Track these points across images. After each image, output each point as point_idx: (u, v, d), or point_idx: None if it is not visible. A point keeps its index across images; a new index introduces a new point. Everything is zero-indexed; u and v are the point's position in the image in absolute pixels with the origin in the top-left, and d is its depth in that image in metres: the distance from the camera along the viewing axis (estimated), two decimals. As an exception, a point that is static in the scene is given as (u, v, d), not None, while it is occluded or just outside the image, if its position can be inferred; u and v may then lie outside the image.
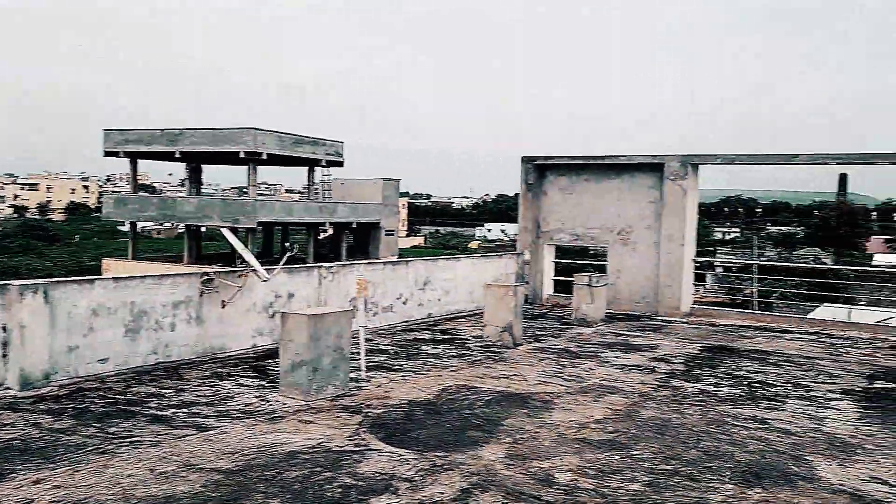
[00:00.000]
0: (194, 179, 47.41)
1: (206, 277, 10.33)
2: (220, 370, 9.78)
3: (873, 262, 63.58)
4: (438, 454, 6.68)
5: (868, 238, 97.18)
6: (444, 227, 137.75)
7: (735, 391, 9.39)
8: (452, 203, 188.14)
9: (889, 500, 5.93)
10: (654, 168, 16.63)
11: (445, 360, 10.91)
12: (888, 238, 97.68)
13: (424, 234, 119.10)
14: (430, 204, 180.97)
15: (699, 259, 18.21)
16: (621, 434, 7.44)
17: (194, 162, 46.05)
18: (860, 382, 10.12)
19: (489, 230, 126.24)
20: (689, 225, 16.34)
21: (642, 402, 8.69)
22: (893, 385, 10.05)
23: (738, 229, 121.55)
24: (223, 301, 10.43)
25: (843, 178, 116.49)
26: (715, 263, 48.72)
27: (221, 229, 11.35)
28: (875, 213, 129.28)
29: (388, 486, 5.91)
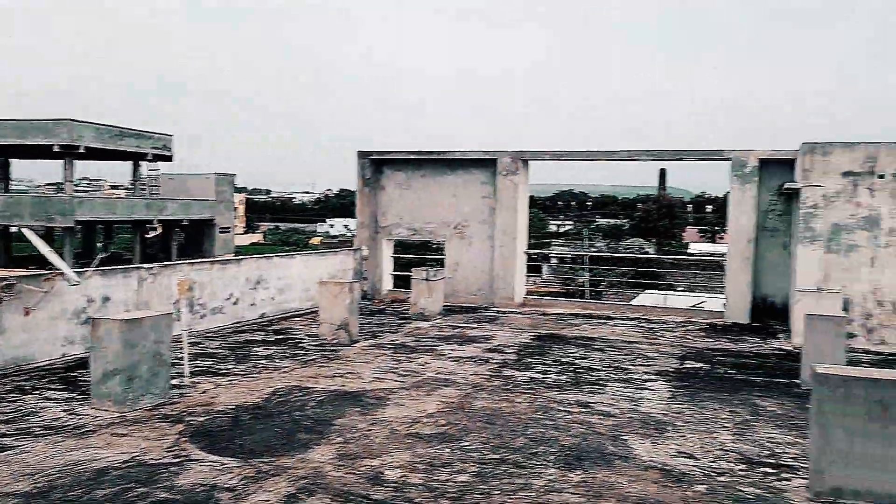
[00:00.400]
0: (1, 175, 43.14)
1: (5, 283, 9.35)
2: (23, 383, 8.90)
3: (689, 251, 69.01)
4: (265, 460, 6.42)
5: (684, 228, 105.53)
6: (284, 223, 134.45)
7: (562, 377, 9.78)
8: (293, 198, 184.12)
9: (694, 472, 6.37)
10: (487, 164, 17.03)
11: (278, 361, 10.57)
12: (702, 228, 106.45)
13: (264, 230, 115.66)
14: (269, 199, 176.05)
15: (532, 251, 18.91)
16: (452, 426, 7.51)
17: (1, 156, 41.91)
18: (673, 363, 10.88)
19: (332, 226, 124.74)
20: (521, 218, 16.89)
21: (475, 394, 8.83)
22: (701, 364, 10.88)
23: (571, 222, 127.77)
24: (26, 308, 9.50)
25: (662, 174, 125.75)
26: (550, 255, 50.89)
27: (22, 229, 10.34)
28: (690, 206, 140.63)
29: (209, 498, 5.59)
